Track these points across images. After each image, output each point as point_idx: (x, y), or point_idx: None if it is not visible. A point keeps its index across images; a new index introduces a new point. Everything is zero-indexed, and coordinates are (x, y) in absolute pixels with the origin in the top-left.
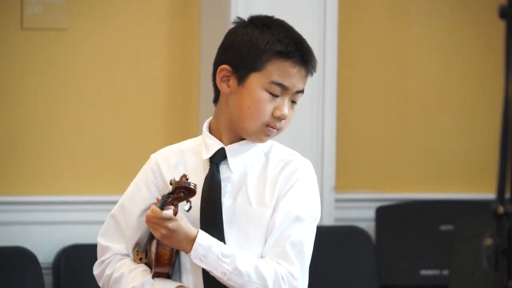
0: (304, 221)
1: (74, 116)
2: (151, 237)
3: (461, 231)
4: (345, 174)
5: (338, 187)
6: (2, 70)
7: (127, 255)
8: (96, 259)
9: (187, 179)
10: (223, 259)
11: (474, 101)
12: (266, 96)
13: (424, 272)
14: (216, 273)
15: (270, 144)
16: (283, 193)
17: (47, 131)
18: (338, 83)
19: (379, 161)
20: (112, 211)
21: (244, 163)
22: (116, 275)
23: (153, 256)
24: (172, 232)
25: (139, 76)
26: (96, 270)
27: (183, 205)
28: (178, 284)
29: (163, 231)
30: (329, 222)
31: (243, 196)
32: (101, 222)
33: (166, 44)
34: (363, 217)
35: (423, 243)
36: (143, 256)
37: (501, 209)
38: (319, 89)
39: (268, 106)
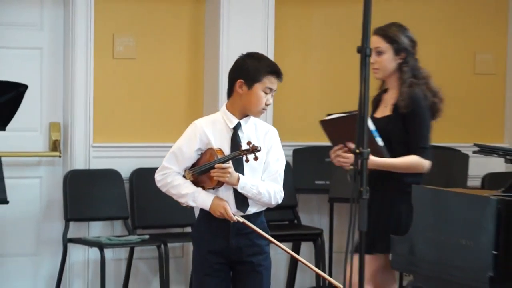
0: (281, 160)
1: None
2: (208, 169)
3: None
4: None
5: None
6: None
7: (179, 174)
8: (152, 175)
9: (253, 144)
10: (252, 187)
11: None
12: (263, 94)
13: (317, 181)
14: (248, 194)
15: (254, 119)
16: (269, 147)
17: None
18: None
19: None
20: (172, 150)
21: (248, 129)
22: (175, 183)
23: (206, 179)
24: (230, 176)
25: (172, 81)
26: (158, 177)
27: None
28: (215, 195)
29: (227, 175)
30: None
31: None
32: (152, 156)
33: (186, 64)
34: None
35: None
36: (193, 177)
37: (357, 150)
38: None
39: (264, 100)
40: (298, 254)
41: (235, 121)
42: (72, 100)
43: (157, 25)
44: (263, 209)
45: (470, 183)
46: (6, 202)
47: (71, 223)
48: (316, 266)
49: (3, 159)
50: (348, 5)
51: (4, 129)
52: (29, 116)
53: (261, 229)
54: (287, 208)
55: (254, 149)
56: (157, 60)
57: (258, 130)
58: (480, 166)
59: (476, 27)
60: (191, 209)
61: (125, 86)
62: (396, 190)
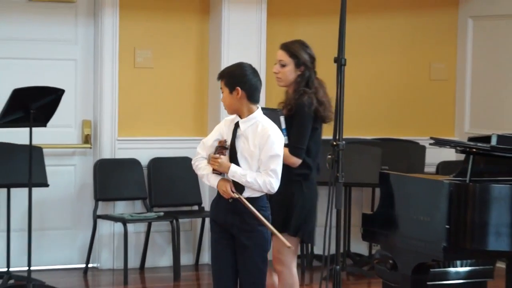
0: (275, 157)
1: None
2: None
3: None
4: None
5: None
6: None
7: (205, 159)
8: (166, 164)
9: (225, 141)
10: (242, 176)
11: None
12: None
13: None
14: (238, 181)
15: (262, 119)
16: (262, 145)
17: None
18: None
19: None
20: (203, 140)
21: (246, 126)
22: (199, 166)
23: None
24: (219, 164)
25: (182, 86)
26: (192, 161)
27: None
28: (222, 177)
29: (217, 164)
30: None
31: (245, 141)
32: (166, 148)
33: (193, 72)
34: None
35: None
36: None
37: (334, 143)
38: None
39: None
40: None
41: (236, 119)
42: (101, 102)
43: (170, 40)
44: (259, 195)
45: (427, 169)
46: (47, 185)
47: (100, 203)
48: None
49: (44, 150)
50: (324, 24)
51: (45, 126)
52: (65, 115)
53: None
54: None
55: (221, 145)
56: (170, 69)
57: (258, 129)
58: (435, 156)
59: (431, 42)
60: (198, 190)
61: (144, 90)
62: (287, 179)
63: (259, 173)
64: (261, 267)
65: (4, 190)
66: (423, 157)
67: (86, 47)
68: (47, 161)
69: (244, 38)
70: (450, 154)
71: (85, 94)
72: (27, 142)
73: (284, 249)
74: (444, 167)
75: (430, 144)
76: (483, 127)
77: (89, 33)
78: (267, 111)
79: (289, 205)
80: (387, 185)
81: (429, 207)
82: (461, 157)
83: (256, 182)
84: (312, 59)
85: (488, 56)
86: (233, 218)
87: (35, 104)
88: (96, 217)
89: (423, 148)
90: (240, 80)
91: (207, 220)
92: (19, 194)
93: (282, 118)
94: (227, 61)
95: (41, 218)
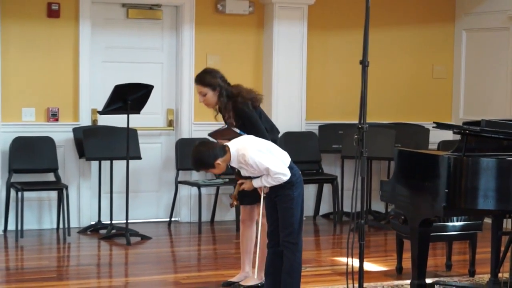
0: (257, 164)
1: None
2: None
3: (351, 133)
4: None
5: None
6: None
7: None
8: None
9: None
10: (259, 183)
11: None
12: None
13: (334, 146)
14: (261, 186)
15: None
16: (244, 163)
17: None
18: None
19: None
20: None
21: (234, 163)
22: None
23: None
24: (245, 185)
25: (243, 82)
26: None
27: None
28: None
29: (243, 186)
30: None
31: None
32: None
33: (251, 73)
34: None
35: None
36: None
37: (359, 126)
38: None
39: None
40: (321, 192)
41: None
42: (181, 95)
43: (234, 48)
44: (277, 183)
45: (430, 147)
46: (140, 158)
47: (180, 171)
48: (332, 199)
49: (138, 131)
50: (351, 35)
51: (139, 113)
52: (154, 105)
53: (286, 190)
54: (314, 162)
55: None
56: (233, 71)
57: (241, 160)
58: (436, 136)
59: (433, 49)
60: None
61: None
62: None
63: (262, 176)
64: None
65: (108, 162)
66: (427, 137)
67: (170, 53)
68: (140, 139)
69: (290, 46)
70: (448, 135)
71: (169, 89)
72: (125, 126)
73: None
74: (443, 145)
75: (433, 127)
76: (474, 114)
77: (172, 42)
78: (222, 131)
79: None
80: (400, 158)
81: (432, 175)
82: (457, 137)
83: (267, 183)
84: (223, 78)
85: (477, 60)
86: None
87: (131, 97)
88: (177, 183)
89: (427, 131)
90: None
91: None
92: (119, 165)
93: (235, 129)
94: (277, 64)
95: (135, 183)
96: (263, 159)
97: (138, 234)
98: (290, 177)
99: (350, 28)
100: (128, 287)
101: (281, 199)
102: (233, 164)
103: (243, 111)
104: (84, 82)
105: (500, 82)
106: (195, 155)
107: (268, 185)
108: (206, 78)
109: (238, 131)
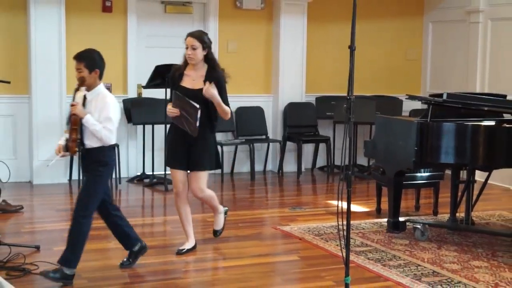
0: (107, 120)
1: None
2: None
3: (341, 103)
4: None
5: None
6: None
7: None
8: (246, 110)
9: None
10: (93, 125)
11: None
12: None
13: (327, 113)
14: (89, 128)
15: (101, 91)
16: (100, 108)
17: None
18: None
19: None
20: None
21: (90, 96)
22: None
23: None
24: (76, 109)
25: (254, 65)
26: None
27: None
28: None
29: (75, 109)
30: None
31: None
32: (246, 100)
33: (262, 57)
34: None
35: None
36: None
37: (348, 97)
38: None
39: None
40: (317, 149)
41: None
42: None
43: (249, 36)
44: (100, 145)
45: (403, 114)
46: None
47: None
48: (326, 155)
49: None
50: (345, 26)
51: None
52: None
53: (97, 160)
54: (312, 126)
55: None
56: (248, 54)
57: (99, 97)
58: (408, 106)
59: (407, 36)
60: (265, 126)
61: (232, 66)
62: (208, 128)
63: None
64: None
65: (150, 126)
66: (401, 106)
67: None
68: None
69: (293, 35)
70: (417, 105)
71: None
72: (164, 97)
73: (202, 180)
74: (414, 113)
75: (406, 98)
76: (438, 88)
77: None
78: (189, 102)
79: (209, 149)
80: (379, 123)
81: (404, 136)
82: (425, 106)
83: (98, 128)
84: (211, 43)
85: (441, 46)
86: None
87: (168, 75)
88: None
89: (401, 101)
90: (98, 64)
91: (272, 144)
92: (159, 128)
93: (193, 102)
94: (283, 48)
95: None
96: (112, 114)
97: None
98: (107, 158)
99: (340, 20)
100: (166, 223)
101: (92, 172)
102: (92, 94)
103: (224, 81)
104: (131, 63)
105: (458, 63)
106: (86, 52)
107: (94, 130)
108: (204, 36)
109: (197, 106)
